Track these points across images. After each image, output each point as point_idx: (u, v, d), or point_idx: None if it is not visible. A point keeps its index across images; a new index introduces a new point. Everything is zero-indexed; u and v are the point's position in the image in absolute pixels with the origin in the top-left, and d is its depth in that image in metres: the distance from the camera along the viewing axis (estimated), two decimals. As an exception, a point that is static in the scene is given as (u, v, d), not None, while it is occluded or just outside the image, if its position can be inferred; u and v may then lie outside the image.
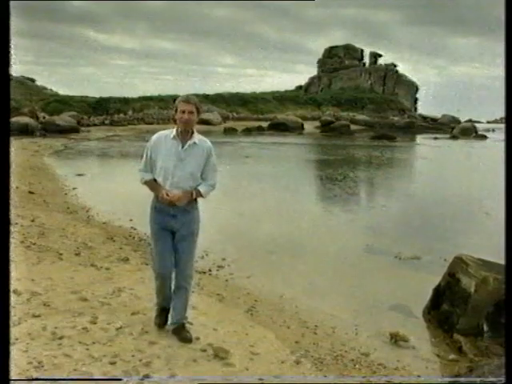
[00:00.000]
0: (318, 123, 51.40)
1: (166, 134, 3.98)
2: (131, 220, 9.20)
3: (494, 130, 59.23)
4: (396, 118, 61.67)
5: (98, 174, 17.97)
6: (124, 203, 10.99)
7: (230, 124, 47.95)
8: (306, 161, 25.12)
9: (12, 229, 6.81)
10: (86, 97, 51.20)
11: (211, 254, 7.34)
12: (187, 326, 4.26)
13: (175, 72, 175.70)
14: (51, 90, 60.68)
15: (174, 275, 4.10)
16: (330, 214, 12.05)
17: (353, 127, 50.11)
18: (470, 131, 49.49)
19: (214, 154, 4.06)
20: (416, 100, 76.80)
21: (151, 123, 45.38)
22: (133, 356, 3.76)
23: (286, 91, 73.77)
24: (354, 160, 25.23)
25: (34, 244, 6.82)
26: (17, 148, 20.56)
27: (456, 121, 62.95)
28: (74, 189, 12.77)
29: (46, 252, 6.54)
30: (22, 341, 3.80)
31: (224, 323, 4.64)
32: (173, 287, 4.13)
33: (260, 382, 3.60)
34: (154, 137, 4.03)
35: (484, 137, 47.50)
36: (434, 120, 65.22)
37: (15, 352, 3.48)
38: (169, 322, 4.19)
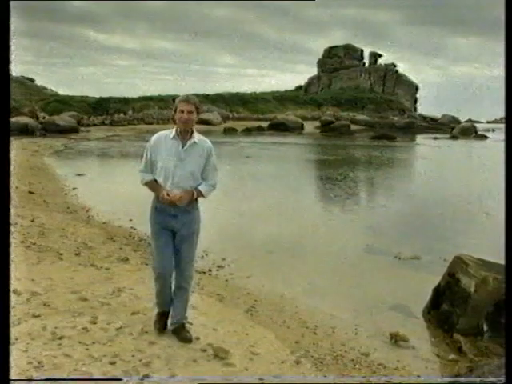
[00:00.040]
0: (317, 123, 51.42)
1: (166, 134, 3.97)
2: (131, 220, 9.20)
3: (493, 130, 59.24)
4: (396, 118, 61.69)
5: (97, 174, 17.98)
6: (124, 203, 11.00)
7: (229, 124, 47.97)
8: (305, 161, 25.12)
9: (12, 229, 6.81)
10: (86, 97, 51.27)
11: (211, 254, 7.34)
12: (187, 326, 4.26)
13: (175, 72, 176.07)
14: (51, 89, 60.74)
15: (174, 276, 4.10)
16: (330, 213, 12.05)
17: (353, 127, 50.13)
18: (469, 131, 49.49)
19: (214, 153, 4.06)
20: (416, 100, 76.85)
21: (151, 123, 45.40)
22: (133, 356, 3.76)
23: (286, 91, 73.84)
24: (354, 160, 25.23)
25: (34, 244, 6.83)
26: (17, 148, 20.56)
27: (456, 121, 62.97)
28: (73, 189, 12.77)
29: (45, 252, 6.54)
30: (22, 341, 3.80)
31: (224, 323, 4.64)
32: (173, 287, 4.13)
33: (260, 382, 3.60)
34: (154, 137, 4.02)
35: (484, 137, 47.51)
36: (433, 120, 65.25)
37: (15, 352, 3.48)
38: (169, 323, 4.19)
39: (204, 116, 44.20)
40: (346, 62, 76.77)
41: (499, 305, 4.79)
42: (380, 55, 77.68)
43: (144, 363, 3.66)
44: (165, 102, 47.22)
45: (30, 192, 11.34)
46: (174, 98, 4.09)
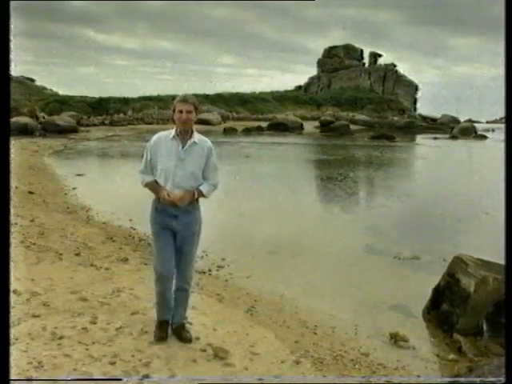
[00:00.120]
0: (317, 123, 51.42)
1: (166, 135, 3.96)
2: (131, 220, 9.20)
3: (493, 130, 59.24)
4: (396, 118, 61.74)
5: (97, 173, 17.98)
6: (124, 203, 10.99)
7: (229, 124, 47.97)
8: (305, 161, 25.12)
9: (12, 229, 6.81)
10: (86, 97, 51.30)
11: (211, 254, 7.34)
12: (187, 326, 4.26)
13: (175, 72, 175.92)
14: (51, 89, 60.81)
15: (174, 276, 4.08)
16: (330, 213, 12.06)
17: (352, 127, 50.11)
18: (469, 131, 49.47)
19: (214, 153, 4.04)
20: (416, 100, 76.90)
21: (151, 123, 45.42)
22: (132, 356, 3.76)
23: (286, 91, 73.89)
24: (354, 160, 25.23)
25: (34, 244, 6.83)
26: (16, 148, 20.55)
27: (456, 121, 63.01)
28: (73, 189, 12.77)
29: (45, 252, 6.54)
30: (22, 341, 3.80)
31: (224, 323, 4.64)
32: (173, 288, 4.11)
33: (260, 381, 3.60)
34: (154, 138, 4.00)
35: (484, 137, 47.49)
36: (433, 120, 65.29)
37: (15, 352, 3.48)
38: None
39: (204, 116, 44.25)
40: (346, 62, 76.84)
41: (499, 305, 4.79)
42: (380, 55, 77.78)
43: (144, 363, 3.66)
44: (164, 101, 47.16)
45: (30, 192, 11.34)
46: (173, 98, 4.06)
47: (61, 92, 58.39)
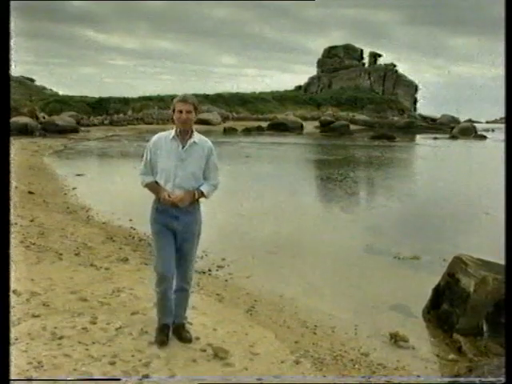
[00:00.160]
0: (317, 123, 51.44)
1: (166, 135, 3.94)
2: (131, 220, 9.20)
3: (493, 130, 59.26)
4: (396, 118, 61.76)
5: (97, 173, 17.98)
6: (124, 203, 11.00)
7: (229, 124, 47.97)
8: (305, 161, 25.13)
9: (11, 229, 6.81)
10: (86, 97, 51.27)
11: (211, 254, 7.34)
12: (187, 326, 4.26)
13: (175, 72, 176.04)
14: (51, 89, 60.80)
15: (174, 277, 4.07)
16: (330, 213, 12.06)
17: (352, 127, 50.12)
18: (469, 131, 49.47)
19: (214, 153, 4.03)
20: (415, 100, 76.92)
21: (151, 123, 45.43)
22: (132, 356, 3.76)
23: (286, 91, 73.87)
24: (354, 160, 25.23)
25: (34, 244, 6.83)
26: (16, 148, 20.55)
27: (455, 121, 63.03)
28: (73, 189, 12.77)
29: (45, 252, 6.54)
30: (22, 341, 3.81)
31: (224, 323, 4.64)
32: (173, 288, 4.10)
33: (259, 382, 3.60)
34: (154, 138, 3.98)
35: (483, 137, 47.49)
36: (433, 120, 65.35)
37: (15, 352, 3.48)
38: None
39: (204, 116, 44.26)
40: (346, 62, 76.86)
41: (499, 305, 4.79)
42: (380, 55, 77.81)
43: (144, 363, 3.66)
44: (164, 101, 47.15)
45: (30, 192, 11.33)
46: (173, 98, 4.04)
47: (61, 92, 58.43)
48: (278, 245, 8.34)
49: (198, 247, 4.19)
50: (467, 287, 5.04)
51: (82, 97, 51.11)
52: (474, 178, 19.53)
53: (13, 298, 4.37)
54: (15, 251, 6.02)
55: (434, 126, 59.10)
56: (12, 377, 2.57)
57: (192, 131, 3.94)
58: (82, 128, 37.83)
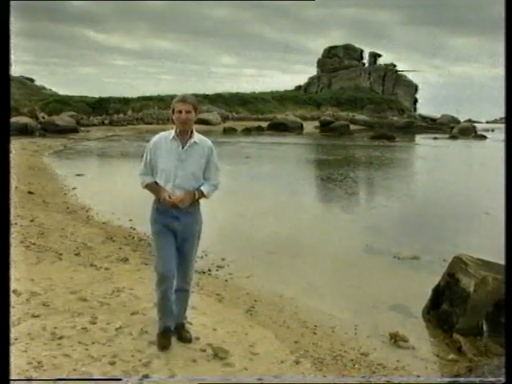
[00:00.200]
0: (317, 123, 51.42)
1: (166, 136, 3.92)
2: (131, 220, 9.20)
3: (493, 130, 59.27)
4: (395, 118, 61.74)
5: (97, 173, 17.98)
6: (124, 203, 10.99)
7: (229, 124, 47.96)
8: (305, 161, 25.13)
9: (11, 229, 6.81)
10: (86, 97, 51.22)
11: (211, 254, 7.34)
12: (187, 325, 4.26)
13: (175, 72, 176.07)
14: (51, 89, 60.79)
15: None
16: (330, 213, 12.06)
17: (352, 127, 50.11)
18: (469, 131, 49.48)
19: (215, 153, 4.01)
20: (415, 100, 76.93)
21: (151, 123, 45.42)
22: (132, 356, 3.76)
23: (286, 91, 73.87)
24: (354, 160, 25.24)
25: (34, 244, 6.83)
26: (16, 148, 20.55)
27: (455, 121, 63.01)
28: (73, 189, 12.77)
29: (45, 252, 6.54)
30: (22, 341, 3.80)
31: (223, 323, 4.64)
32: (174, 288, 4.09)
33: (259, 381, 3.60)
34: (153, 139, 3.97)
35: (483, 137, 47.50)
36: (433, 120, 65.31)
37: (15, 352, 3.48)
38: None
39: (203, 116, 44.25)
40: (346, 62, 76.88)
41: (499, 305, 4.79)
42: (379, 55, 77.82)
43: (144, 363, 3.66)
44: (164, 101, 47.12)
45: (30, 192, 11.34)
46: (173, 98, 4.02)
47: (61, 92, 58.40)
48: (278, 245, 8.35)
49: (198, 247, 4.19)
50: (467, 287, 5.04)
51: (81, 97, 51.07)
52: (474, 177, 19.54)
53: (13, 298, 4.37)
54: (15, 251, 6.02)
55: (433, 126, 59.10)
56: (12, 377, 2.57)
57: (192, 131, 3.92)
58: (82, 128, 37.82)
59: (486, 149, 35.31)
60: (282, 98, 66.53)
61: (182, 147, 3.87)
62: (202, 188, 3.93)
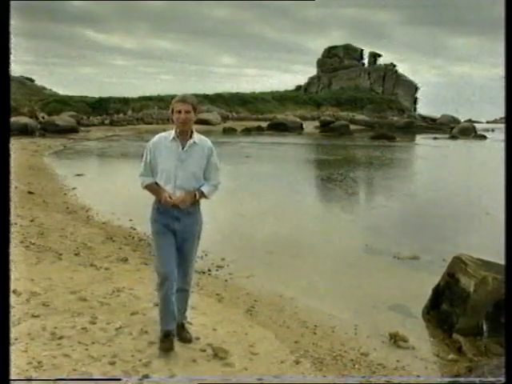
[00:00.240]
0: (317, 123, 51.42)
1: (166, 136, 3.91)
2: (131, 220, 9.21)
3: (493, 130, 59.27)
4: (395, 118, 61.75)
5: (97, 173, 17.99)
6: (123, 203, 11.00)
7: (229, 124, 47.96)
8: (305, 161, 25.13)
9: (11, 229, 6.81)
10: (86, 97, 51.25)
11: (210, 254, 7.34)
12: (187, 325, 4.26)
13: (175, 72, 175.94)
14: (50, 89, 60.81)
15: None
16: (330, 213, 12.06)
17: (352, 127, 50.09)
18: (469, 131, 49.48)
19: (215, 153, 4.00)
20: (415, 100, 76.93)
21: (151, 123, 45.44)
22: (132, 356, 3.76)
23: (286, 91, 73.88)
24: (354, 160, 25.24)
25: (34, 244, 6.83)
26: (16, 148, 20.55)
27: (455, 121, 62.99)
28: (73, 189, 12.77)
29: (45, 252, 6.54)
30: (22, 341, 3.81)
31: (223, 323, 4.64)
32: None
33: (259, 381, 3.60)
34: (153, 139, 3.95)
35: (483, 137, 47.49)
36: (433, 120, 65.31)
37: (15, 352, 3.48)
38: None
39: (203, 116, 44.25)
40: (346, 62, 76.86)
41: (499, 304, 4.79)
42: (379, 55, 77.79)
43: (143, 363, 3.66)
44: (164, 101, 47.10)
45: (30, 192, 11.34)
46: (173, 98, 4.01)
47: (60, 92, 58.46)
48: (278, 245, 8.35)
49: (198, 247, 4.18)
50: (467, 287, 5.04)
51: (81, 97, 51.10)
52: (474, 177, 19.53)
53: (13, 298, 4.37)
54: (15, 251, 6.02)
55: (433, 126, 59.08)
56: (12, 377, 2.57)
57: (192, 131, 3.91)
58: (82, 128, 37.83)
59: (486, 149, 35.31)
60: (281, 98, 66.54)
61: (182, 147, 3.86)
62: (203, 188, 3.93)
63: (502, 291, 4.55)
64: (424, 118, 67.91)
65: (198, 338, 4.16)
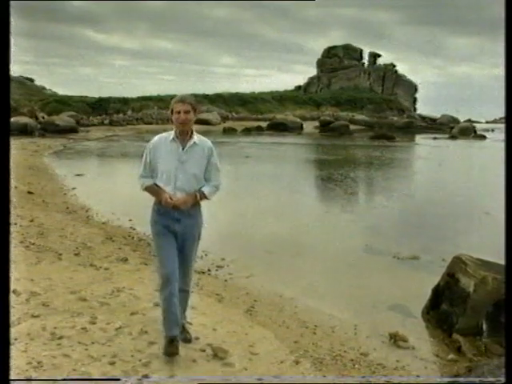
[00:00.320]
0: (317, 123, 51.44)
1: (165, 137, 3.88)
2: (130, 220, 9.20)
3: (493, 130, 59.31)
4: (395, 118, 61.82)
5: (97, 173, 17.98)
6: (123, 203, 10.99)
7: (229, 124, 48.00)
8: (305, 161, 25.13)
9: (11, 229, 6.80)
10: (86, 97, 51.34)
11: (210, 254, 7.34)
12: (186, 326, 4.26)
13: (175, 72, 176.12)
14: (50, 89, 60.88)
15: None
16: (329, 213, 12.05)
17: (352, 127, 50.13)
18: (469, 131, 49.50)
19: (215, 153, 3.98)
20: (415, 100, 77.00)
21: (150, 123, 45.48)
22: (132, 356, 3.76)
23: (286, 91, 73.95)
24: (354, 160, 25.24)
25: (33, 244, 6.83)
26: (16, 148, 20.55)
27: (455, 121, 63.03)
28: (73, 189, 12.77)
29: (45, 252, 6.54)
30: (22, 341, 3.80)
31: (223, 323, 4.64)
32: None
33: (259, 381, 3.60)
34: (153, 140, 3.92)
35: (483, 137, 47.51)
36: (433, 120, 65.34)
37: (14, 352, 3.48)
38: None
39: (203, 116, 44.27)
40: (346, 62, 76.94)
41: (498, 304, 4.79)
42: (379, 55, 77.88)
43: (143, 363, 3.66)
44: (164, 102, 47.13)
45: (29, 192, 11.34)
46: (173, 98, 4.00)
47: (60, 92, 58.58)
48: (278, 245, 8.34)
49: (198, 248, 4.18)
50: (467, 287, 5.04)
51: (81, 97, 51.17)
52: (473, 177, 19.54)
53: (12, 298, 4.36)
54: (15, 251, 6.01)
55: (433, 126, 59.12)
56: (11, 377, 2.57)
57: (192, 132, 3.88)
58: (82, 128, 37.85)
59: (485, 149, 35.31)
60: (281, 98, 66.61)
61: (182, 148, 3.84)
62: (204, 189, 3.90)
63: (501, 291, 4.55)
64: (424, 118, 67.95)
65: (197, 338, 4.15)
